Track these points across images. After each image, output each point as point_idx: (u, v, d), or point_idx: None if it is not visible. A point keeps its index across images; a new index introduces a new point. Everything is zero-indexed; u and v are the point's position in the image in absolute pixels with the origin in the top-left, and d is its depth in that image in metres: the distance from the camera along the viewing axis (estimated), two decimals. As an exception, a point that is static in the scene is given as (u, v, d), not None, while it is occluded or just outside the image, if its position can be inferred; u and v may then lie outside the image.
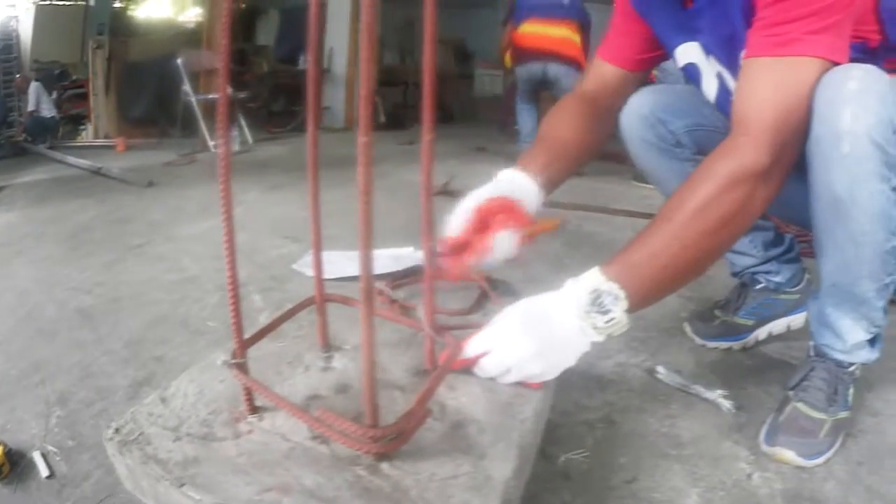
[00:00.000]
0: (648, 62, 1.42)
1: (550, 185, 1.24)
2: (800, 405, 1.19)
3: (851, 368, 1.21)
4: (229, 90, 2.99)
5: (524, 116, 4.84)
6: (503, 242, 1.10)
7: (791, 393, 1.22)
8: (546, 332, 0.95)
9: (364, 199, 0.61)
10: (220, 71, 0.74)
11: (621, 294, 0.94)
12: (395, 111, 7.49)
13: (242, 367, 0.81)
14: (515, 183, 1.20)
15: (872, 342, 1.20)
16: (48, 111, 5.43)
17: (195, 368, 0.95)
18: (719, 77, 1.25)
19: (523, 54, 4.53)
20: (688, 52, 1.28)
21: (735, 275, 1.66)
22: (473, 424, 0.86)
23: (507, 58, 4.88)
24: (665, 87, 1.53)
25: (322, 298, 0.97)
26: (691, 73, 1.31)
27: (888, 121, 0.94)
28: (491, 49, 10.38)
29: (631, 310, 0.95)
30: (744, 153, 0.97)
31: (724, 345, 1.60)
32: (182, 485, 0.72)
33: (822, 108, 0.97)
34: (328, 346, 1.00)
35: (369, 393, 0.71)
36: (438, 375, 0.86)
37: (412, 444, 0.79)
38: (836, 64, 0.98)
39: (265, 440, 0.79)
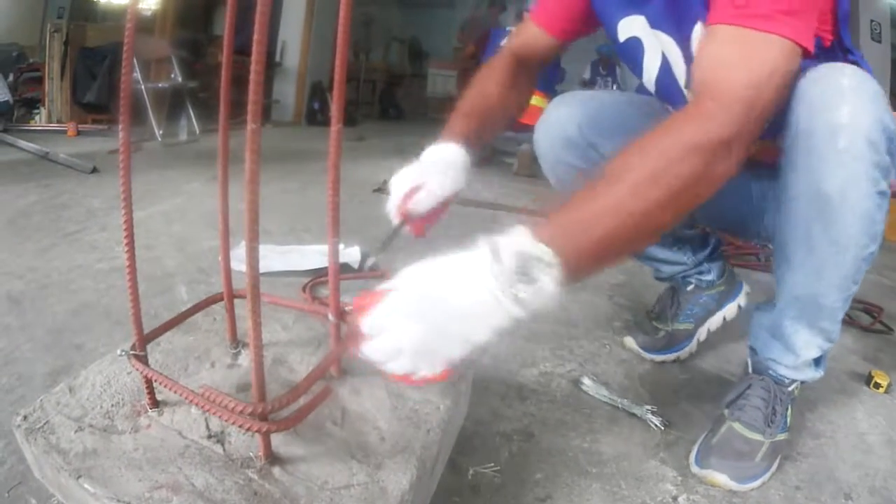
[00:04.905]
0: (573, 34, 1.32)
1: (478, 147, 1.17)
2: (736, 425, 1.10)
3: (791, 387, 1.14)
4: (179, 79, 2.90)
5: None
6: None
7: (727, 411, 1.14)
8: (450, 308, 0.70)
9: (251, 188, 0.62)
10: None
11: (554, 261, 0.70)
12: (346, 107, 7.42)
13: (142, 360, 0.79)
14: (443, 157, 1.14)
15: (818, 361, 1.14)
16: (3, 95, 5.21)
17: (106, 359, 0.93)
18: (663, 54, 1.17)
19: None
20: (632, 26, 1.19)
21: (661, 279, 1.59)
22: (374, 432, 0.83)
23: None
24: (588, 95, 1.41)
25: (231, 294, 0.94)
26: (632, 49, 1.21)
27: (879, 121, 0.89)
28: (446, 49, 10.40)
29: (564, 282, 0.71)
30: (711, 118, 0.81)
31: (671, 356, 1.51)
32: (79, 476, 0.70)
33: (816, 100, 0.90)
34: (237, 343, 0.98)
35: (256, 366, 0.67)
36: (332, 354, 0.83)
37: (308, 450, 0.77)
38: (803, 48, 0.86)
39: (162, 436, 0.77)
